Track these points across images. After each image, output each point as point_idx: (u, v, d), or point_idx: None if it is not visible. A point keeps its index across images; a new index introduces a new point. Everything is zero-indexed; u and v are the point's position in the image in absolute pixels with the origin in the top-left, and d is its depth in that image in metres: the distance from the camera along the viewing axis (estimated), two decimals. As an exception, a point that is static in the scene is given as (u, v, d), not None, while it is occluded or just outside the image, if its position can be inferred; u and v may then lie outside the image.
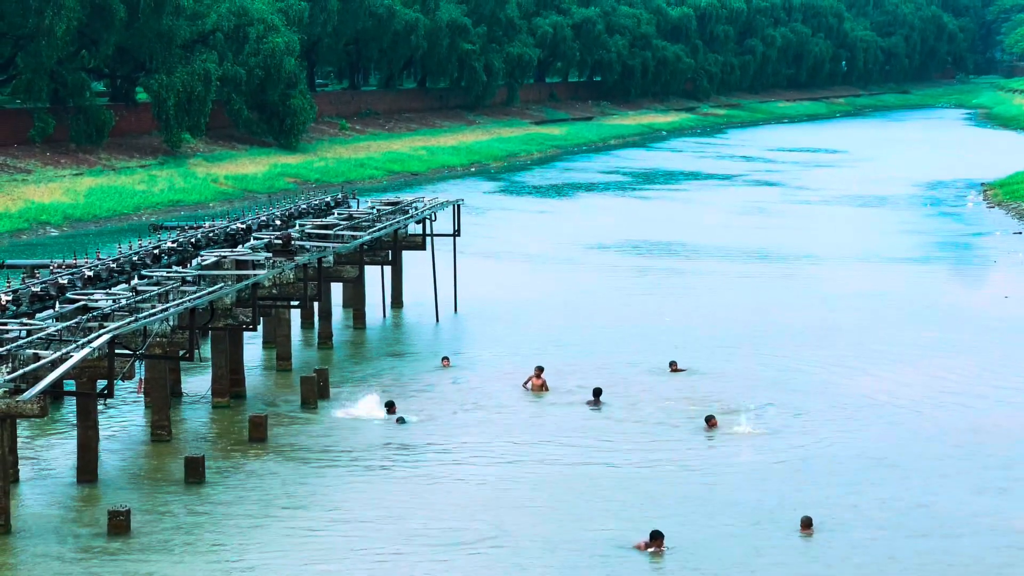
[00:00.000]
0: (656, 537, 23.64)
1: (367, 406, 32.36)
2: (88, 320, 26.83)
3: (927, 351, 38.84)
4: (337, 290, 43.91)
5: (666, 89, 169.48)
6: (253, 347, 38.00)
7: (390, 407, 32.30)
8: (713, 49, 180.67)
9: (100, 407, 29.15)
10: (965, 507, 25.80)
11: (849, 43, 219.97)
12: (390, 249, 43.38)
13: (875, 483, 27.23)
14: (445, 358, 37.78)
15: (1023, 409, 32.66)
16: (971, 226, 67.33)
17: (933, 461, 28.68)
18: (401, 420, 31.57)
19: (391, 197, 48.71)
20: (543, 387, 34.37)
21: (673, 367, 36.59)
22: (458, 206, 46.48)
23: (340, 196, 47.06)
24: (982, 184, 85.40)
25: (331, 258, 37.65)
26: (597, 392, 33.70)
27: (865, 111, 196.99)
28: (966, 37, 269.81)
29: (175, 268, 32.70)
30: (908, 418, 31.98)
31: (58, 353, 24.61)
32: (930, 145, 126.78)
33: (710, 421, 31.12)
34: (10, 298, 27.71)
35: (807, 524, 24.56)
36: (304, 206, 44.16)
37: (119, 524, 24.12)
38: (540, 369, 34.84)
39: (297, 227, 39.39)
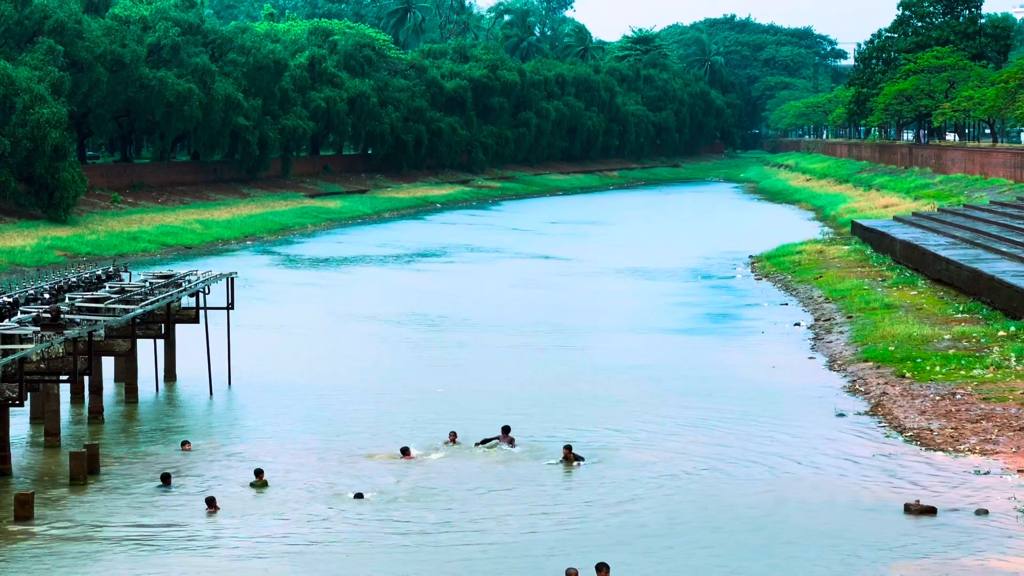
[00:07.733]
0: None
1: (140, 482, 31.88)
2: None
3: (698, 421, 39.45)
4: (109, 364, 43.29)
5: (440, 162, 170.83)
6: (20, 423, 37.19)
7: (165, 479, 31.89)
8: (488, 121, 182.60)
9: None
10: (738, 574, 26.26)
11: (621, 117, 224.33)
12: (163, 322, 42.90)
13: (642, 551, 27.55)
14: (185, 442, 36.50)
15: (789, 476, 33.35)
16: (740, 298, 68.74)
17: (702, 528, 29.11)
18: (359, 496, 31.09)
19: (164, 270, 48.25)
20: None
21: (452, 437, 36.62)
22: (232, 279, 46.25)
23: (112, 269, 46.46)
24: (750, 256, 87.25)
25: (102, 332, 37.09)
26: (506, 429, 35.24)
27: (637, 184, 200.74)
28: (733, 113, 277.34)
29: (-62, 343, 31.88)
30: (676, 486, 32.43)
31: None
32: (700, 218, 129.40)
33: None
34: None
35: (574, 578, 24.68)
36: (74, 279, 43.42)
37: None
38: (406, 450, 34.70)
39: (67, 300, 38.72)
